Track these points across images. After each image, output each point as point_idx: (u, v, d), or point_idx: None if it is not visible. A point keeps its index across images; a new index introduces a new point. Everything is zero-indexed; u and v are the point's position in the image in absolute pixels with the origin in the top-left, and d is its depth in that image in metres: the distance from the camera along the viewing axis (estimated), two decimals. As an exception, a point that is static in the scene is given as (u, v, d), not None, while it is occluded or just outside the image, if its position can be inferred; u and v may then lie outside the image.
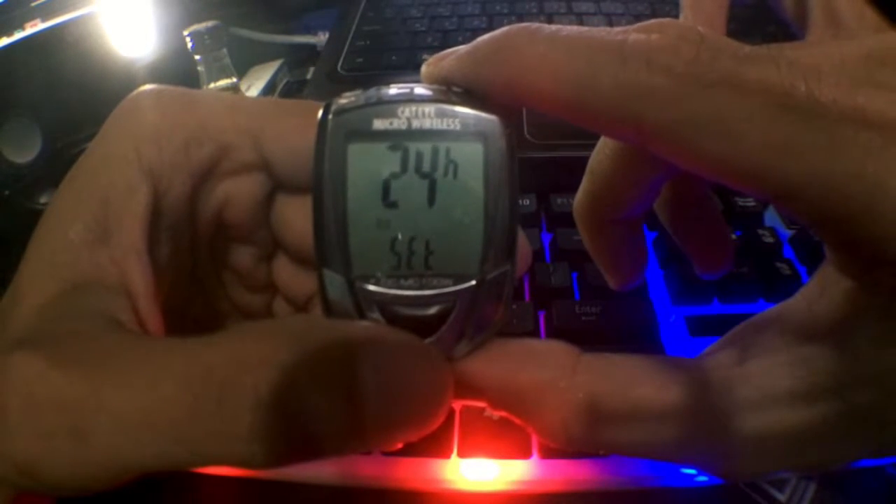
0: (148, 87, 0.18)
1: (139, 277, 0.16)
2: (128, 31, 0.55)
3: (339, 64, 0.55)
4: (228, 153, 0.18)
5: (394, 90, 0.15)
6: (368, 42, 0.57)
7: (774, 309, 0.16)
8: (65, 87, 0.51)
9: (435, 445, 0.28)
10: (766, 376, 0.14)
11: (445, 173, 0.14)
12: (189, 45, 0.51)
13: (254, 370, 0.13)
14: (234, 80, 0.54)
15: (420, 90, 0.15)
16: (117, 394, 0.13)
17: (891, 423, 0.13)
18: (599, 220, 0.20)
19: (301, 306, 0.22)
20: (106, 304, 0.15)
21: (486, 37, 0.15)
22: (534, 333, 0.32)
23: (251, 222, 0.20)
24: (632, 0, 0.60)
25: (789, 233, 0.37)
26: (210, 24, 0.51)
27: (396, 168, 0.14)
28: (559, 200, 0.39)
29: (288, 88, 0.64)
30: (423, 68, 0.16)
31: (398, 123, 0.14)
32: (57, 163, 0.51)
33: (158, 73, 0.57)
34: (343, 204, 0.14)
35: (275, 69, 0.63)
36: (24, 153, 0.49)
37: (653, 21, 0.14)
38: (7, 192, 0.47)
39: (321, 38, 0.65)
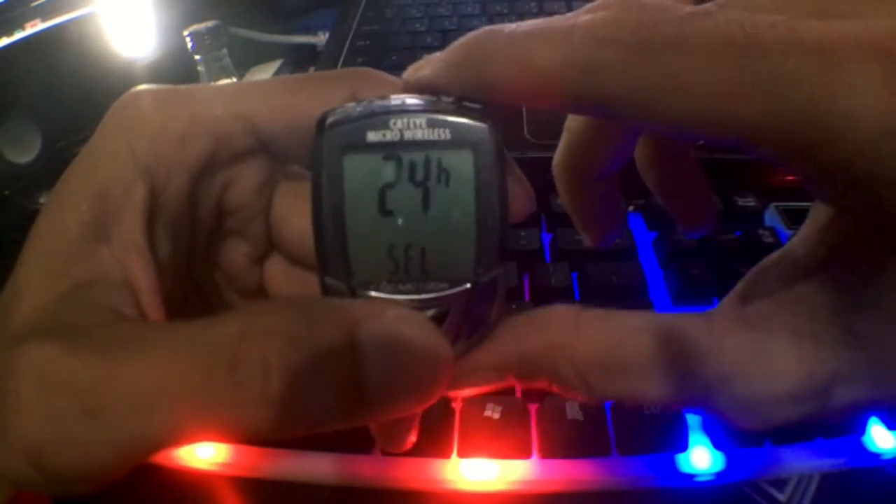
0: (142, 86, 0.18)
1: (141, 272, 0.16)
2: (128, 31, 0.55)
3: (339, 64, 0.55)
4: (225, 142, 0.18)
5: (386, 102, 0.15)
6: (368, 42, 0.57)
7: (773, 255, 0.17)
8: (65, 87, 0.51)
9: (435, 445, 0.28)
10: (764, 317, 0.15)
11: (438, 181, 0.15)
12: (189, 45, 0.51)
13: (262, 339, 0.13)
14: (234, 80, 0.54)
15: (411, 101, 0.15)
16: (132, 370, 0.13)
17: (888, 359, 0.13)
18: (577, 176, 0.21)
19: None
20: (110, 299, 0.15)
21: (454, 43, 0.15)
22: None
23: (251, 208, 0.20)
24: (632, 0, 0.60)
25: (789, 233, 0.37)
26: (210, 24, 0.51)
27: (391, 178, 0.15)
28: (559, 200, 0.39)
29: (288, 88, 0.63)
30: (402, 77, 0.17)
31: (391, 135, 0.15)
32: (57, 163, 0.51)
33: (158, 73, 0.57)
34: (341, 214, 0.15)
35: (275, 69, 0.63)
36: (24, 153, 0.49)
37: (599, 1, 0.14)
38: (7, 192, 0.47)
39: (321, 38, 0.65)
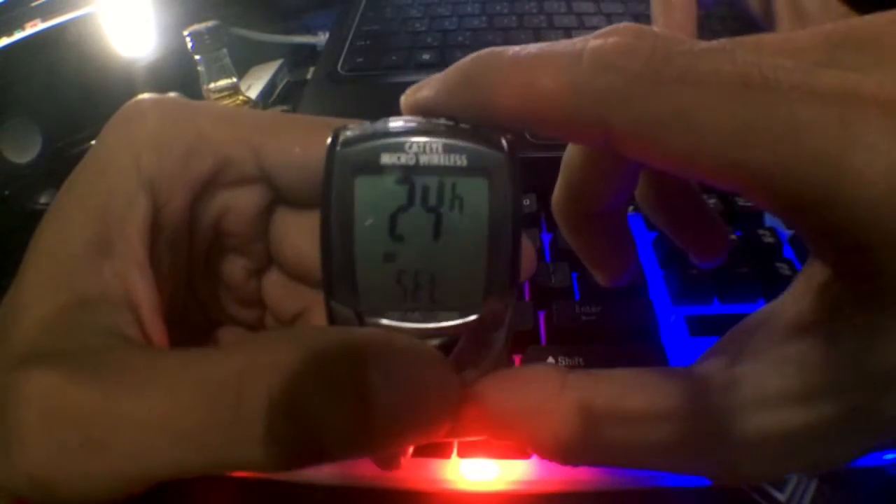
0: (146, 95, 0.18)
1: (142, 290, 0.16)
2: (128, 31, 0.55)
3: (339, 64, 0.55)
4: (228, 165, 0.18)
5: (402, 123, 0.15)
6: (368, 42, 0.57)
7: (762, 310, 0.16)
8: (65, 87, 0.51)
9: (435, 445, 0.28)
10: (757, 377, 0.14)
11: (451, 208, 0.15)
12: (189, 45, 0.51)
13: (268, 375, 0.13)
14: (234, 80, 0.54)
15: (427, 124, 0.15)
16: (136, 403, 0.13)
17: (885, 416, 0.13)
18: (578, 214, 0.20)
19: (287, 323, 0.22)
20: (112, 320, 0.15)
21: (455, 65, 0.15)
22: (534, 333, 0.32)
23: (250, 232, 0.20)
24: (631, 0, 0.60)
25: (789, 233, 0.37)
26: (210, 24, 0.51)
27: (403, 202, 0.15)
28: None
29: (288, 88, 0.64)
30: (402, 99, 0.16)
31: (405, 158, 0.14)
32: (57, 163, 0.51)
33: (158, 73, 0.57)
34: (350, 237, 0.15)
35: (275, 69, 0.63)
36: (24, 153, 0.49)
37: (610, 27, 0.14)
38: (7, 192, 0.47)
39: (321, 38, 0.65)
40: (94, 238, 0.16)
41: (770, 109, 0.11)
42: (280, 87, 0.63)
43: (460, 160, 0.14)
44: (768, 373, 0.14)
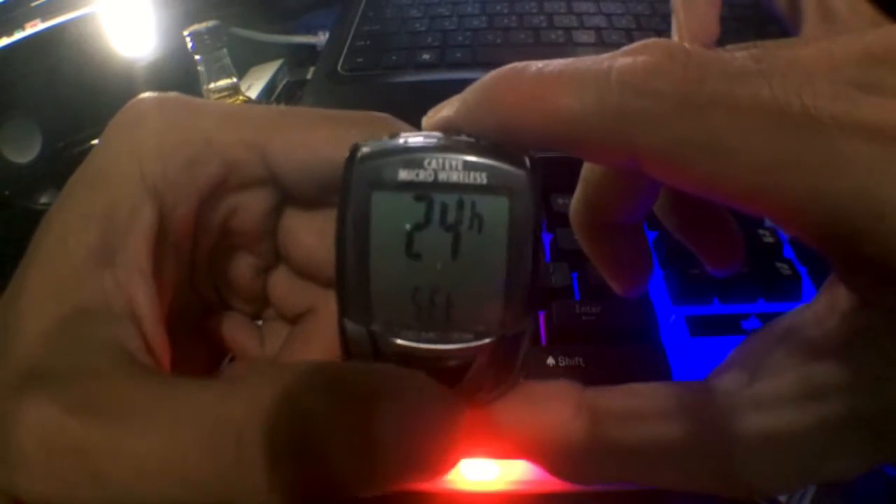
0: (148, 94, 0.18)
1: (145, 300, 0.16)
2: (128, 31, 0.55)
3: (339, 64, 0.55)
4: (235, 169, 0.18)
5: (421, 139, 0.15)
6: (368, 42, 0.57)
7: (782, 323, 0.16)
8: (65, 87, 0.51)
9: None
10: (777, 398, 0.14)
11: (470, 226, 0.14)
12: (189, 45, 0.51)
13: (271, 421, 0.13)
14: (234, 80, 0.54)
15: (448, 140, 0.15)
16: (136, 442, 0.13)
17: None
18: (596, 225, 0.20)
19: (291, 320, 0.22)
20: (114, 333, 0.15)
21: (475, 83, 0.15)
22: (534, 333, 0.32)
23: (257, 231, 0.20)
24: (632, 0, 0.60)
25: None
26: (210, 24, 0.51)
27: (421, 219, 0.14)
28: (559, 200, 0.39)
29: (288, 88, 0.64)
30: (423, 121, 0.16)
31: (424, 175, 0.14)
32: (57, 163, 0.51)
33: (158, 73, 0.57)
34: (366, 253, 0.14)
35: (275, 69, 0.63)
36: (24, 153, 0.49)
37: (639, 43, 0.13)
38: (7, 192, 0.47)
39: (321, 38, 0.65)
40: (95, 247, 0.16)
41: (809, 140, 0.11)
42: (280, 87, 0.63)
43: (480, 178, 0.14)
44: (791, 392, 0.14)
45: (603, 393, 0.15)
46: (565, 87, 0.13)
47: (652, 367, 0.30)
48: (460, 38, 0.56)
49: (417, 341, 0.14)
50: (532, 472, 0.28)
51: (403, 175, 0.14)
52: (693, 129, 0.12)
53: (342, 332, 0.15)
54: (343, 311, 0.15)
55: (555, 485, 0.28)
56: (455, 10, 0.60)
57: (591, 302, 0.32)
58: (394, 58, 0.54)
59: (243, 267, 0.21)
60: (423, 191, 0.14)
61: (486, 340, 0.14)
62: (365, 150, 0.14)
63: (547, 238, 0.38)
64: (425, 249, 0.14)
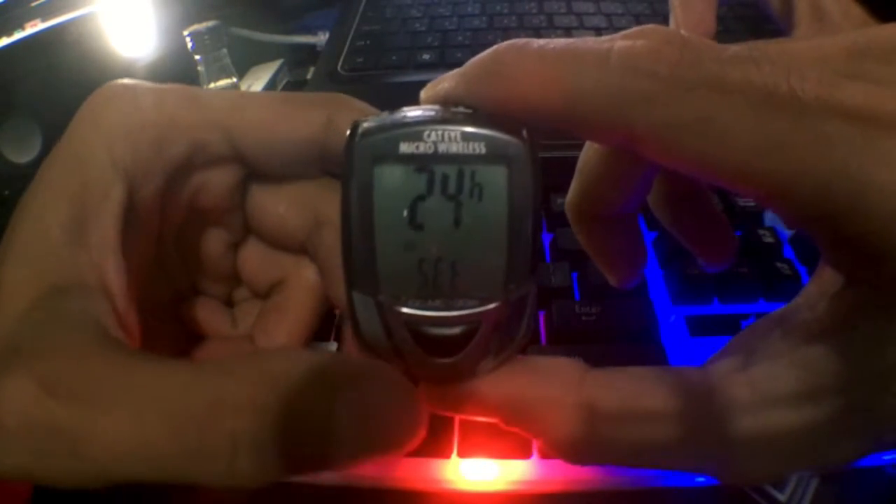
0: (117, 81, 0.19)
1: (116, 277, 0.17)
2: (128, 31, 0.55)
3: (339, 64, 0.55)
4: (201, 148, 0.18)
5: (420, 112, 0.15)
6: (368, 42, 0.57)
7: (776, 312, 0.16)
8: (65, 87, 0.51)
9: (435, 445, 0.28)
10: (770, 380, 0.14)
11: (471, 195, 0.15)
12: (189, 45, 0.51)
13: (232, 415, 0.13)
14: (234, 80, 0.54)
15: (446, 112, 0.15)
16: (107, 423, 0.14)
17: (885, 416, 0.13)
18: (592, 217, 0.21)
19: (262, 294, 0.22)
20: (89, 308, 0.16)
21: (477, 57, 0.15)
22: (534, 333, 0.32)
23: (225, 206, 0.20)
24: (631, 0, 0.60)
25: (789, 233, 0.37)
26: (210, 24, 0.51)
27: (423, 190, 0.15)
28: (559, 200, 0.39)
29: (288, 88, 0.63)
30: (422, 93, 0.16)
31: (424, 147, 0.14)
32: (57, 163, 0.51)
33: (158, 73, 0.57)
34: (371, 226, 0.15)
35: (275, 69, 0.63)
36: (24, 153, 0.49)
37: (637, 28, 0.14)
38: (7, 192, 0.47)
39: (321, 38, 0.65)
40: (70, 227, 0.16)
41: (795, 121, 0.12)
42: (280, 87, 0.63)
43: (479, 148, 0.14)
44: (782, 374, 0.14)
45: (605, 373, 0.16)
46: (566, 65, 0.13)
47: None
48: (460, 38, 0.56)
49: (424, 309, 0.15)
50: (532, 472, 0.28)
51: (404, 148, 0.14)
52: (686, 110, 0.12)
53: (350, 303, 0.15)
54: (350, 284, 0.15)
55: (555, 485, 0.28)
56: (455, 10, 0.60)
57: (591, 302, 0.32)
58: (394, 58, 0.54)
59: (213, 243, 0.22)
60: (423, 163, 0.14)
61: (491, 306, 0.15)
62: (365, 125, 0.15)
63: (547, 238, 0.38)
64: (428, 220, 0.15)
